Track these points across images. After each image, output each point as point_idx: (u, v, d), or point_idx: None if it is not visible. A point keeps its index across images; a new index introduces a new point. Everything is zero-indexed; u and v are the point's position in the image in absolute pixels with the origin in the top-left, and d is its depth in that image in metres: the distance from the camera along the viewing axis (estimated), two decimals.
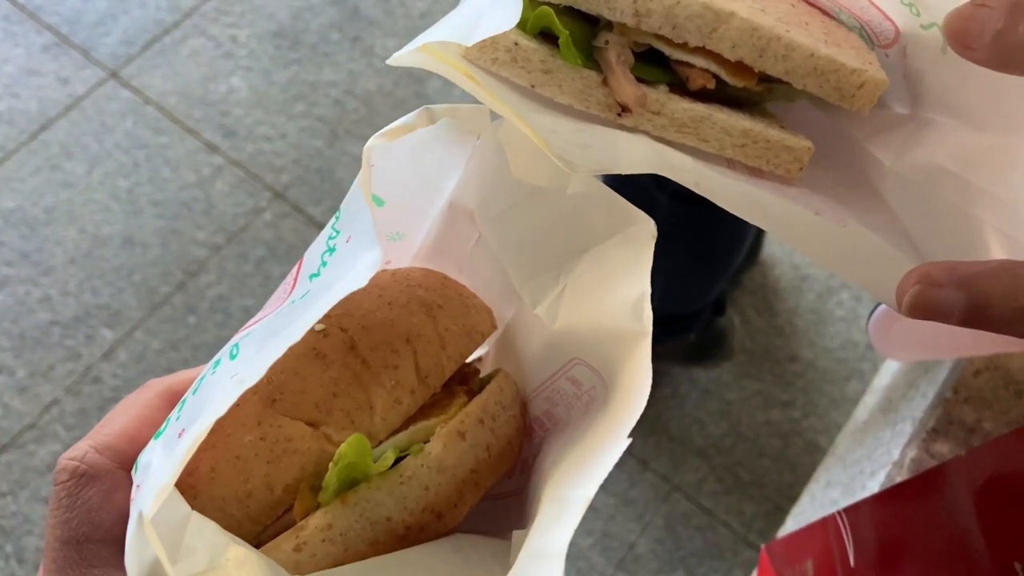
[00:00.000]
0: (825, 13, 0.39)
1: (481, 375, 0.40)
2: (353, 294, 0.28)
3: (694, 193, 0.36)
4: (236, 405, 0.28)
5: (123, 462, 0.33)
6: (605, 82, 0.34)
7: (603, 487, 0.33)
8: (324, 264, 0.31)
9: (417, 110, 0.35)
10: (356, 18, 1.88)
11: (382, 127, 0.33)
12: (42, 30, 1.80)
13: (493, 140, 0.36)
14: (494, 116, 0.35)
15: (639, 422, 0.30)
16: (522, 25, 0.33)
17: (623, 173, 0.35)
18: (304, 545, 0.30)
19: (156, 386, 0.36)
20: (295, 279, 0.33)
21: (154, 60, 1.79)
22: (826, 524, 0.51)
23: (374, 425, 0.32)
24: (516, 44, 0.33)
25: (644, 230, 0.34)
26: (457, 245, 0.40)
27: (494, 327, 0.39)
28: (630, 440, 0.29)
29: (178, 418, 0.31)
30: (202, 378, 0.32)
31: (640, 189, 1.17)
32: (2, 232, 1.61)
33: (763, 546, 0.57)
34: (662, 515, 1.48)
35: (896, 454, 0.57)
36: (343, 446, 0.30)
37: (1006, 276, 0.31)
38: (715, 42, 0.34)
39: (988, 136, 0.36)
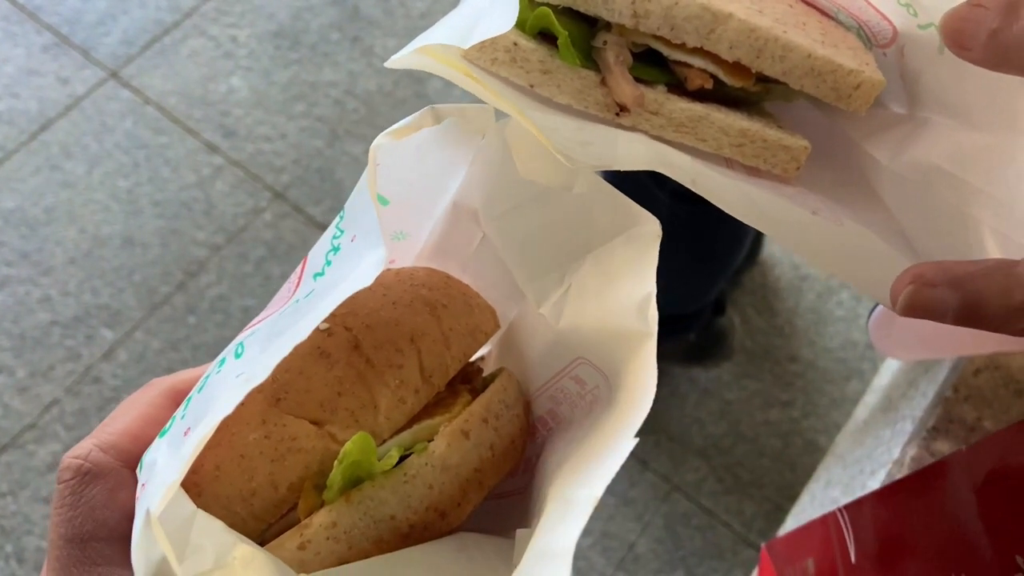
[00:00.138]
0: (823, 13, 0.39)
1: (484, 374, 0.40)
2: (357, 293, 0.29)
3: (694, 192, 0.37)
4: (241, 404, 0.28)
5: (127, 461, 0.33)
6: (603, 82, 0.34)
7: None
8: (328, 263, 0.32)
9: (423, 109, 0.35)
10: (356, 18, 1.88)
11: (382, 127, 0.33)
12: (42, 30, 1.80)
13: (498, 140, 0.36)
14: (499, 116, 0.35)
15: None
16: (521, 25, 0.33)
17: (623, 170, 0.35)
18: (308, 543, 0.30)
19: (160, 385, 0.36)
20: (299, 278, 0.33)
21: (154, 60, 1.79)
22: (827, 521, 0.51)
23: (378, 424, 0.32)
24: (515, 44, 0.33)
25: (649, 230, 0.35)
26: (461, 245, 0.40)
27: (497, 327, 0.39)
28: (636, 440, 0.29)
29: (183, 416, 0.31)
30: (207, 377, 0.32)
31: (640, 187, 1.16)
32: (2, 232, 1.61)
33: (763, 545, 0.58)
34: (662, 515, 1.49)
35: (896, 453, 0.57)
36: (348, 444, 0.30)
37: (1000, 275, 0.31)
38: (713, 43, 0.34)
39: (984, 136, 0.36)
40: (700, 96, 0.36)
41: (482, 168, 0.38)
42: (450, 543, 0.32)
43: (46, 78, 1.75)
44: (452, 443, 0.32)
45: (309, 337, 0.29)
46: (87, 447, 0.33)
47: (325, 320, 0.33)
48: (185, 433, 0.29)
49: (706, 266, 1.35)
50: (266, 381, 0.29)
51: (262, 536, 0.32)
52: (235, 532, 0.29)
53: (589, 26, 0.35)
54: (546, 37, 0.34)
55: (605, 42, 0.34)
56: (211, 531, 0.29)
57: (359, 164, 1.71)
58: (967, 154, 0.37)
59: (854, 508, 0.49)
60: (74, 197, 1.65)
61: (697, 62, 0.35)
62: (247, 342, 0.31)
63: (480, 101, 0.35)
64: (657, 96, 0.35)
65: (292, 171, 1.71)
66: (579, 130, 0.34)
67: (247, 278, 1.61)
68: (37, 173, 1.67)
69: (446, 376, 0.34)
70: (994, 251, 0.36)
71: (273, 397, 0.32)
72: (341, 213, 0.33)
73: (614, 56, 0.34)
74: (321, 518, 0.30)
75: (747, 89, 0.36)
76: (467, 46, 0.31)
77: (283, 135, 1.75)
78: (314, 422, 0.32)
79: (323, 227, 1.65)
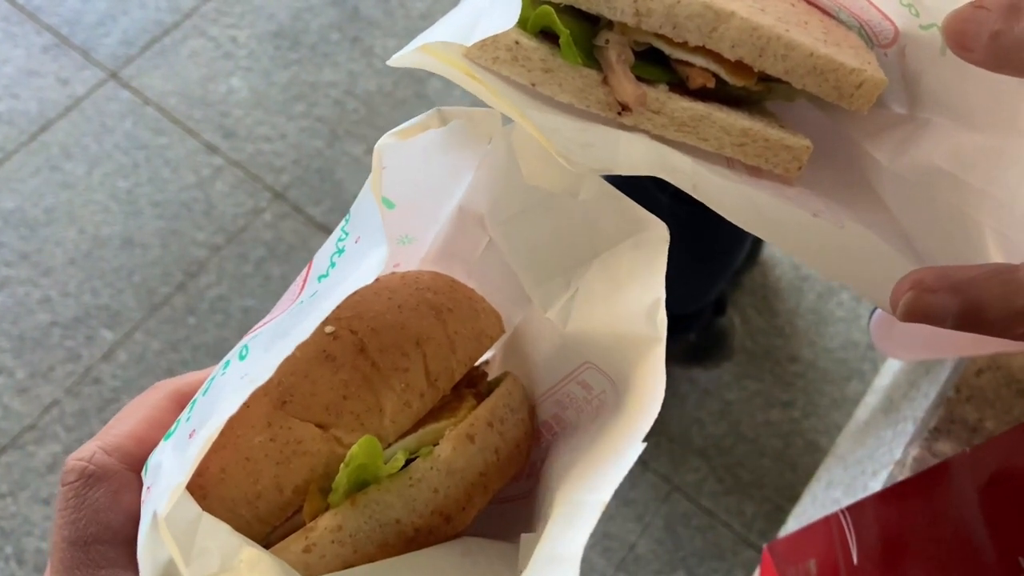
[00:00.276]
0: (825, 12, 0.39)
1: (489, 378, 0.40)
2: (363, 297, 0.29)
3: None
4: (246, 407, 0.28)
5: (131, 463, 0.33)
6: (605, 81, 0.34)
7: None
8: (333, 265, 0.32)
9: (429, 111, 0.35)
10: (356, 18, 1.88)
11: (382, 128, 0.33)
12: (42, 31, 1.80)
13: (504, 145, 0.36)
14: (505, 121, 0.35)
15: None
16: (523, 24, 0.33)
17: (623, 174, 0.35)
18: (314, 546, 0.30)
19: (164, 387, 0.36)
20: (304, 281, 0.33)
21: (154, 61, 1.79)
22: (829, 523, 0.51)
23: (383, 427, 0.32)
24: (517, 43, 0.33)
25: (657, 235, 0.34)
26: (466, 249, 0.40)
27: (503, 331, 0.39)
28: (644, 445, 0.29)
29: (188, 419, 0.31)
30: (212, 379, 0.32)
31: (640, 189, 1.16)
32: (2, 233, 1.61)
33: (765, 546, 0.58)
34: (662, 515, 1.49)
35: (898, 453, 0.57)
36: (354, 447, 0.30)
37: (999, 280, 0.31)
38: (715, 41, 0.34)
39: (985, 137, 0.36)
40: (702, 95, 0.36)
41: (488, 172, 0.38)
42: (454, 547, 0.32)
43: (46, 79, 1.75)
44: (457, 447, 0.32)
45: (314, 340, 0.29)
46: (91, 449, 0.33)
47: (330, 323, 0.33)
48: (190, 435, 0.29)
49: (706, 266, 1.35)
50: (272, 384, 0.29)
51: (267, 539, 0.32)
52: (241, 535, 0.29)
53: (591, 25, 0.35)
54: (548, 36, 0.34)
55: (607, 41, 0.34)
56: (217, 534, 0.29)
57: (359, 164, 1.71)
58: (968, 155, 0.37)
59: (856, 509, 0.49)
60: (74, 198, 1.65)
61: (699, 61, 0.35)
62: (251, 344, 0.31)
63: (483, 103, 0.35)
64: (659, 95, 0.35)
65: (292, 171, 1.71)
66: (580, 131, 0.34)
67: (247, 278, 1.61)
68: (37, 174, 1.67)
69: (451, 380, 0.34)
70: (995, 252, 0.36)
71: (279, 400, 0.32)
72: (347, 216, 0.33)
73: (616, 55, 0.34)
74: (326, 521, 0.30)
75: (749, 88, 0.36)
76: (469, 44, 0.31)
77: (283, 135, 1.75)
78: (320, 425, 0.32)
79: (323, 227, 1.65)
